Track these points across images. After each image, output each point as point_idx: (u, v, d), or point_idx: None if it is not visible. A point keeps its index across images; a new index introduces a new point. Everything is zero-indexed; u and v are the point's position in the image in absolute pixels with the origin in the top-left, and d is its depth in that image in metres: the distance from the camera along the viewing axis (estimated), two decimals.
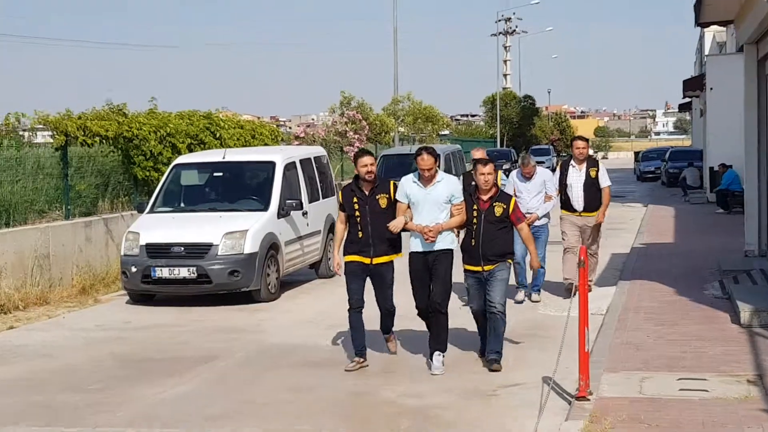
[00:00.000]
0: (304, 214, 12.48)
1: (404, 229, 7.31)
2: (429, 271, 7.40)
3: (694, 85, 31.96)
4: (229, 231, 10.99)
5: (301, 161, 13.00)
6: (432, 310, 7.39)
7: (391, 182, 7.58)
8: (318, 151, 15.10)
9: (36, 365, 8.47)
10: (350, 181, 7.86)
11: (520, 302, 10.30)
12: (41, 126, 13.95)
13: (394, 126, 32.13)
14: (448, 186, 7.39)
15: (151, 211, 12.04)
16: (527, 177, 10.11)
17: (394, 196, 7.40)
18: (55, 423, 6.56)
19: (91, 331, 10.08)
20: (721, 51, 26.66)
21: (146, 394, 7.18)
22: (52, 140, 14.09)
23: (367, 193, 7.43)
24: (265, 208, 11.67)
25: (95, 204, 13.97)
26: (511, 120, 60.79)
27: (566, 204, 10.40)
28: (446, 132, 44.99)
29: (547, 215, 10.24)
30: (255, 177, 12.65)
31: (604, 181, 10.30)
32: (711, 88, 24.26)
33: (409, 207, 7.31)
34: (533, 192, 10.03)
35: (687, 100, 40.37)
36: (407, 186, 7.38)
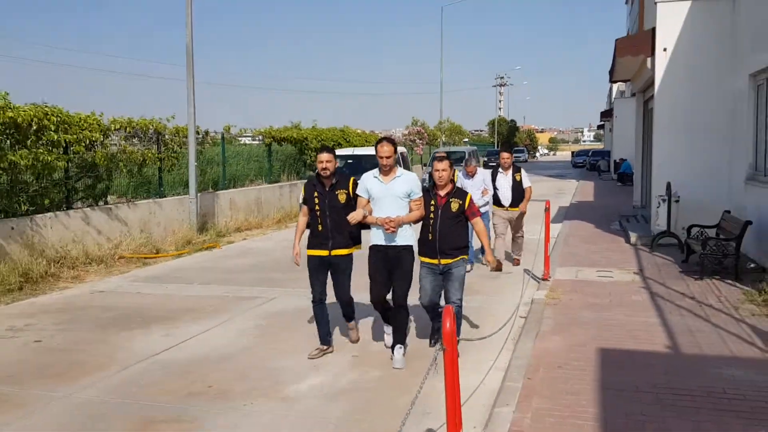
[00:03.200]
0: None
1: (365, 225, 5.72)
2: (389, 265, 5.64)
3: (607, 114, 41.71)
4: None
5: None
6: (394, 305, 5.70)
7: (351, 179, 5.91)
8: (403, 149, 18.88)
9: (259, 258, 11.25)
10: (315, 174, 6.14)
11: (469, 271, 8.61)
12: (248, 134, 19.65)
13: (440, 136, 42.06)
14: (407, 182, 5.67)
15: None
16: (470, 175, 9.62)
17: (353, 192, 5.81)
18: (270, 285, 8.76)
19: (282, 242, 12.90)
20: (623, 95, 34.10)
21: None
22: (254, 141, 19.63)
23: (326, 188, 5.80)
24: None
25: (280, 176, 18.65)
26: (502, 133, 74.80)
27: (497, 201, 9.84)
28: (467, 140, 58.73)
29: (487, 204, 9.65)
30: (369, 162, 13.70)
31: (526, 183, 9.88)
32: (616, 116, 32.06)
33: (368, 202, 5.67)
34: (475, 187, 9.43)
35: (602, 123, 50.94)
36: (368, 181, 5.70)
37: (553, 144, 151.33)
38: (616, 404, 4.47)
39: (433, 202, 5.72)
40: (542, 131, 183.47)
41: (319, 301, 5.94)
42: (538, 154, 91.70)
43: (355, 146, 21.64)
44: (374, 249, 5.71)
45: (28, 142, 9.60)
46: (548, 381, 4.95)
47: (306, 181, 6.25)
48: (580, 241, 12.21)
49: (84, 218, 10.75)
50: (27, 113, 9.53)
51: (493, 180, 9.88)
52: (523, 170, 9.98)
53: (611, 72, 14.28)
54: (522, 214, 10.06)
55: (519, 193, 9.88)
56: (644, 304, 7.31)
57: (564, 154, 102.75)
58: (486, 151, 51.47)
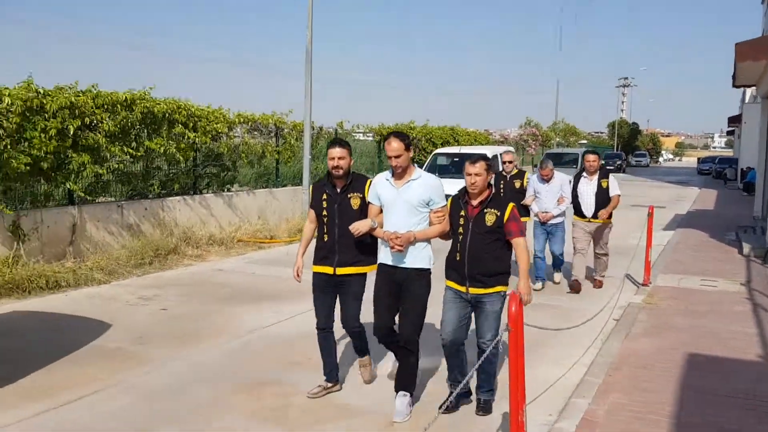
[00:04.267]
0: None
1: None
2: (395, 291, 4.47)
3: (735, 120, 38.64)
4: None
5: (500, 153, 16.44)
6: (401, 343, 4.47)
7: (369, 181, 4.73)
8: (510, 149, 19.04)
9: None
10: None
11: (539, 290, 8.27)
12: (360, 131, 19.76)
13: (553, 137, 41.13)
14: (425, 186, 4.41)
15: None
16: (545, 179, 8.31)
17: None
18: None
19: None
20: (755, 99, 30.93)
21: None
22: (367, 137, 20.16)
23: (338, 190, 4.67)
24: None
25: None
26: (623, 136, 70.90)
27: (578, 211, 8.46)
28: (584, 141, 55.14)
29: (563, 213, 8.39)
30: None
31: (614, 190, 8.38)
32: (745, 122, 30.12)
33: (381, 211, 4.55)
34: (551, 194, 8.30)
35: (731, 128, 46.84)
36: (379, 185, 4.56)
37: (680, 149, 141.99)
38: (696, 405, 4.53)
39: (462, 213, 4.40)
40: (668, 135, 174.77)
41: (323, 328, 4.82)
42: (661, 159, 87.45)
43: (462, 145, 21.87)
44: (380, 268, 4.57)
45: (162, 131, 10.63)
46: (629, 379, 5.05)
47: (315, 181, 5.05)
48: (689, 249, 11.83)
49: (208, 203, 11.74)
50: (162, 106, 10.54)
51: (575, 186, 8.49)
52: (612, 176, 8.54)
53: (733, 77, 13.68)
54: (607, 228, 8.56)
55: (604, 202, 8.36)
56: (745, 314, 7.12)
57: (690, 161, 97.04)
58: (604, 154, 49.94)
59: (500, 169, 8.99)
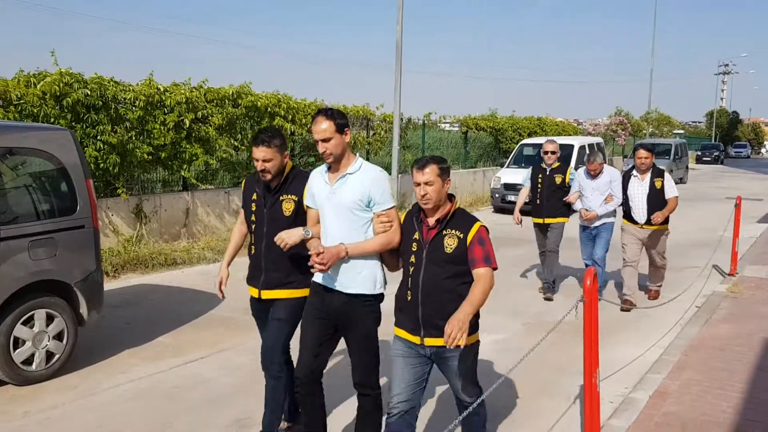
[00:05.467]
0: None
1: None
2: (331, 322, 3.38)
3: None
4: None
5: (588, 145, 16.45)
6: (358, 393, 3.44)
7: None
8: (598, 139, 18.73)
9: None
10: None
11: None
12: (447, 121, 20.14)
13: (645, 127, 39.41)
14: (362, 181, 3.29)
15: (507, 166, 16.59)
16: (593, 175, 7.24)
17: None
18: None
19: None
20: None
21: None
22: (453, 128, 20.40)
23: (270, 191, 3.64)
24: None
25: (477, 162, 19.61)
26: (722, 125, 68.13)
27: (627, 215, 7.23)
28: (680, 131, 51.81)
29: (611, 214, 7.26)
30: (565, 151, 13.92)
31: (670, 192, 7.04)
32: None
33: None
34: (598, 191, 7.19)
35: None
36: (314, 181, 3.49)
37: None
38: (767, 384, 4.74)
39: (416, 236, 3.20)
40: None
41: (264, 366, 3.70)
42: (763, 150, 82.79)
43: (548, 133, 21.86)
44: (312, 289, 3.50)
45: (264, 124, 11.43)
46: (705, 359, 5.30)
47: (247, 175, 3.88)
48: None
49: None
50: (264, 100, 11.34)
51: (625, 187, 7.24)
52: (667, 175, 7.19)
53: None
54: (663, 235, 7.27)
55: (659, 206, 7.03)
56: None
57: None
58: (701, 145, 47.93)
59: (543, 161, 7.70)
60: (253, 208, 3.74)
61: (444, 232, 3.16)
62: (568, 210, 7.60)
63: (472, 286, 3.07)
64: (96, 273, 5.21)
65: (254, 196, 3.74)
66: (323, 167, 3.49)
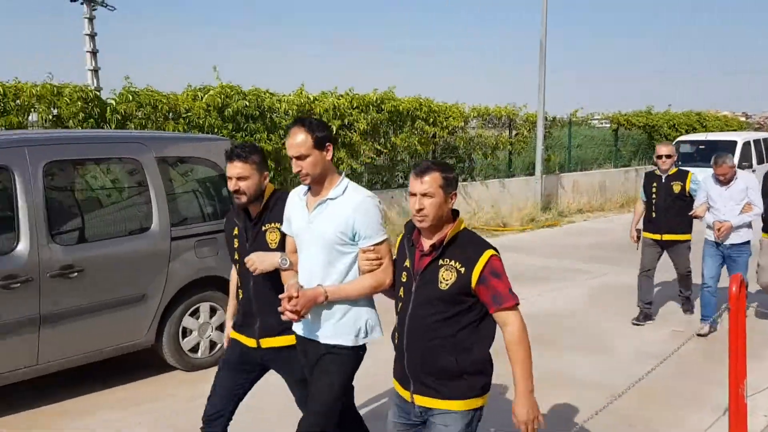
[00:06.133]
0: None
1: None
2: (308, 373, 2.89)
3: None
4: None
5: (754, 141, 14.90)
6: None
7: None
8: (766, 134, 16.69)
9: (597, 238, 11.65)
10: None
11: (704, 335, 5.90)
12: (596, 119, 18.82)
13: None
14: (346, 210, 2.73)
15: None
16: (723, 181, 5.86)
17: None
18: (603, 263, 9.10)
19: (622, 224, 12.11)
20: None
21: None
22: (604, 126, 19.34)
23: (251, 219, 3.06)
24: None
25: (630, 160, 18.82)
26: None
27: None
28: None
29: (747, 225, 5.82)
30: (726, 148, 13.39)
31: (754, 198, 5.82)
32: None
33: None
34: (733, 201, 5.83)
35: None
36: (291, 203, 2.93)
37: None
38: None
39: (407, 263, 2.57)
40: None
41: (207, 422, 3.09)
42: None
43: (710, 131, 20.36)
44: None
45: (405, 128, 11.73)
46: None
47: (228, 211, 3.42)
48: None
49: None
50: (406, 104, 11.64)
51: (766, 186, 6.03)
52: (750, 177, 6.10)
53: None
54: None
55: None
56: None
57: None
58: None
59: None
60: (236, 245, 3.12)
61: (440, 261, 2.46)
62: (690, 225, 6.33)
63: (508, 347, 2.41)
64: None
65: (235, 231, 3.14)
66: (303, 187, 2.88)
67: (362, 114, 10.83)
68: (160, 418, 4.43)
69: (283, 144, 9.49)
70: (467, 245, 2.49)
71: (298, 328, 2.87)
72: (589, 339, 6.06)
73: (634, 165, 18.71)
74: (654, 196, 6.41)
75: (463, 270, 2.44)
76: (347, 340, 2.79)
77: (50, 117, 7.49)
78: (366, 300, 2.82)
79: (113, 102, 8.04)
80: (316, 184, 2.79)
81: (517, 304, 2.44)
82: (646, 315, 6.49)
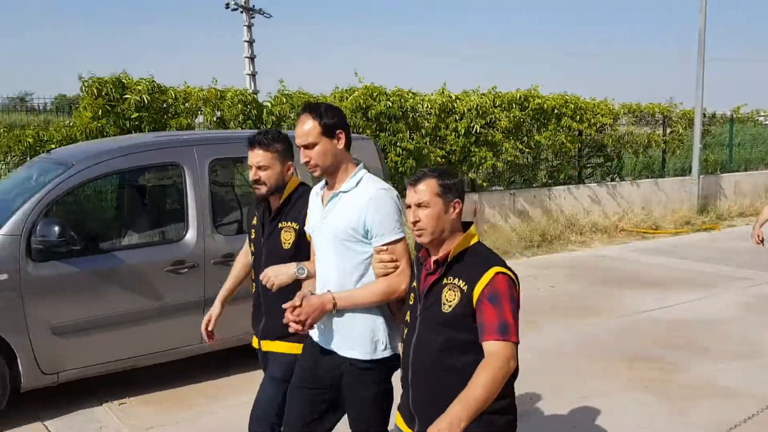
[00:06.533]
0: None
1: None
2: (323, 389, 2.58)
3: None
4: None
5: None
6: None
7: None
8: None
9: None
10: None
11: None
12: (762, 115, 17.18)
13: None
14: (358, 203, 2.45)
15: None
16: None
17: None
18: (766, 270, 8.57)
19: None
20: None
21: None
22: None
23: (271, 215, 2.93)
24: None
25: None
26: None
27: None
28: None
29: None
30: None
31: None
32: None
33: None
34: None
35: None
36: (311, 201, 2.73)
37: None
38: None
39: (414, 284, 2.33)
40: None
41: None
42: None
43: None
44: (304, 348, 2.74)
45: (550, 125, 11.48)
46: None
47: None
48: None
49: (592, 193, 12.25)
50: (551, 102, 11.39)
51: None
52: None
53: None
54: None
55: None
56: None
57: None
58: None
59: None
60: (252, 236, 3.05)
61: (445, 280, 2.18)
62: None
63: (475, 372, 2.03)
64: None
65: (255, 222, 3.05)
66: (322, 182, 2.65)
67: (505, 112, 10.75)
68: None
69: (425, 143, 9.68)
70: (475, 261, 2.18)
71: (314, 335, 2.62)
72: (743, 347, 5.67)
73: None
74: None
75: (466, 288, 2.13)
76: (363, 353, 2.47)
77: (214, 119, 8.17)
78: (380, 311, 2.48)
79: (269, 104, 8.61)
80: (330, 177, 2.55)
81: (510, 341, 2.05)
82: None
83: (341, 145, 2.52)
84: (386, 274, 2.41)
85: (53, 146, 6.72)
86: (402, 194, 2.38)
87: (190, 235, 4.82)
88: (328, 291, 2.46)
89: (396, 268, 2.41)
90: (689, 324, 6.38)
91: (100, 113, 7.22)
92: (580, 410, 4.52)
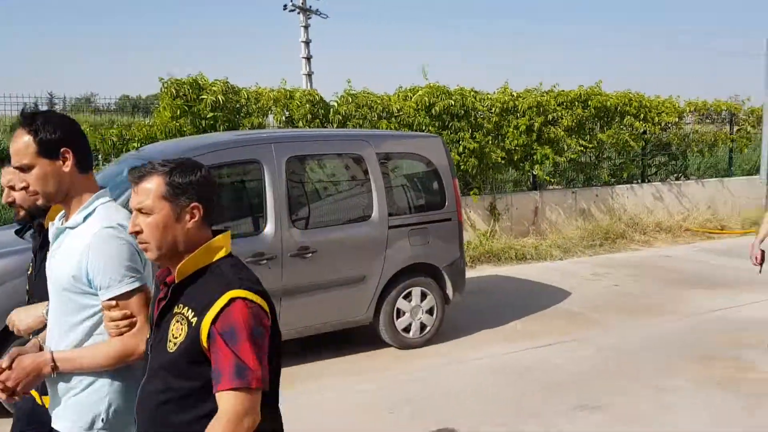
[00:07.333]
0: None
1: None
2: None
3: None
4: None
5: None
6: None
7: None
8: None
9: None
10: None
11: None
12: None
13: None
14: (81, 241, 1.96)
15: None
16: None
17: None
18: None
19: None
20: None
21: None
22: None
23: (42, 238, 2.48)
24: None
25: None
26: None
27: None
28: None
29: None
30: None
31: None
32: None
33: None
34: None
35: None
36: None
37: None
38: None
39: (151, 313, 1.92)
40: None
41: None
42: None
43: None
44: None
45: (613, 124, 11.36)
46: None
47: None
48: None
49: (655, 191, 12.05)
50: (614, 100, 11.27)
51: None
52: None
53: None
54: None
55: None
56: None
57: None
58: None
59: None
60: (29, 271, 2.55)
61: (175, 308, 1.76)
62: None
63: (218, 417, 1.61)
64: (460, 260, 5.99)
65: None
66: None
67: (567, 110, 10.70)
68: (379, 388, 4.90)
69: (487, 141, 9.73)
70: (211, 284, 1.71)
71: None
72: None
73: None
74: None
75: (194, 321, 1.67)
76: (73, 428, 2.01)
77: (283, 118, 8.43)
78: (120, 375, 2.01)
79: (335, 104, 8.83)
80: (65, 206, 2.08)
81: (246, 388, 1.60)
82: None
83: (68, 167, 2.00)
84: (120, 334, 1.95)
85: (135, 145, 7.09)
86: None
87: (269, 229, 5.06)
88: (50, 350, 2.00)
89: (131, 326, 1.95)
90: (760, 324, 6.28)
91: (178, 113, 7.56)
92: (651, 409, 4.54)
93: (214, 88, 7.82)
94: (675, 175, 12.87)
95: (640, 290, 7.79)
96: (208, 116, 7.66)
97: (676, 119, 12.33)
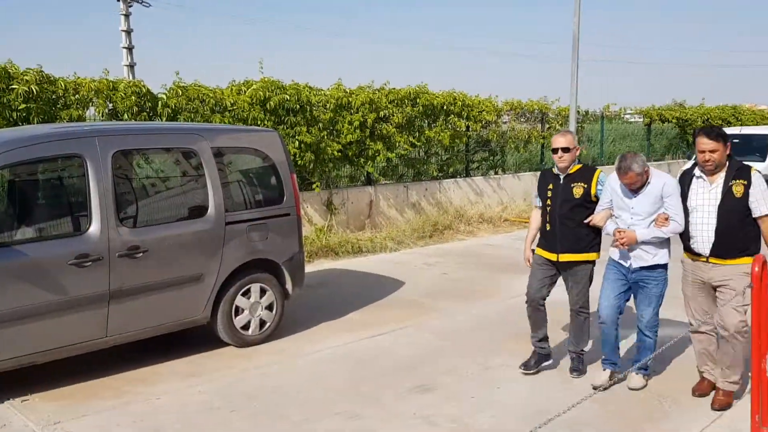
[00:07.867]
0: None
1: None
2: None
3: None
4: None
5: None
6: None
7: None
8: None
9: None
10: None
11: (602, 388, 4.55)
12: (629, 113, 19.58)
13: None
14: None
15: (694, 158, 15.57)
16: (631, 188, 4.39)
17: None
18: None
19: None
20: None
21: None
22: (638, 120, 19.58)
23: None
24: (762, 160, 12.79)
25: (663, 155, 18.91)
26: None
27: (686, 243, 4.37)
28: None
29: (664, 244, 4.42)
30: (760, 142, 13.48)
31: (760, 208, 4.08)
32: None
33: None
34: (644, 212, 4.37)
35: None
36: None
37: None
38: None
39: None
40: None
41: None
42: None
43: (744, 125, 20.18)
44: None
45: (439, 122, 11.98)
46: None
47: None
48: None
49: (478, 185, 12.89)
50: (440, 99, 11.88)
51: (684, 195, 4.36)
52: (756, 176, 4.17)
53: None
54: (739, 277, 4.11)
55: (737, 226, 4.14)
56: None
57: None
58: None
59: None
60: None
61: None
62: (596, 240, 4.79)
63: None
64: (299, 254, 6.01)
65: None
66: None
67: (398, 108, 11.11)
68: (219, 388, 4.79)
69: (323, 136, 9.83)
70: None
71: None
72: None
73: (667, 159, 18.67)
74: (549, 201, 4.92)
75: None
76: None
77: (106, 110, 7.92)
78: None
79: (164, 96, 8.44)
80: None
81: None
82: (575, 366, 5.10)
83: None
84: None
85: None
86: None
87: (94, 228, 4.73)
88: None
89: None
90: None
91: None
92: (477, 385, 4.88)
93: (26, 77, 7.16)
94: (494, 169, 13.85)
95: (467, 276, 8.32)
96: (20, 108, 7.00)
97: (495, 117, 13.27)
